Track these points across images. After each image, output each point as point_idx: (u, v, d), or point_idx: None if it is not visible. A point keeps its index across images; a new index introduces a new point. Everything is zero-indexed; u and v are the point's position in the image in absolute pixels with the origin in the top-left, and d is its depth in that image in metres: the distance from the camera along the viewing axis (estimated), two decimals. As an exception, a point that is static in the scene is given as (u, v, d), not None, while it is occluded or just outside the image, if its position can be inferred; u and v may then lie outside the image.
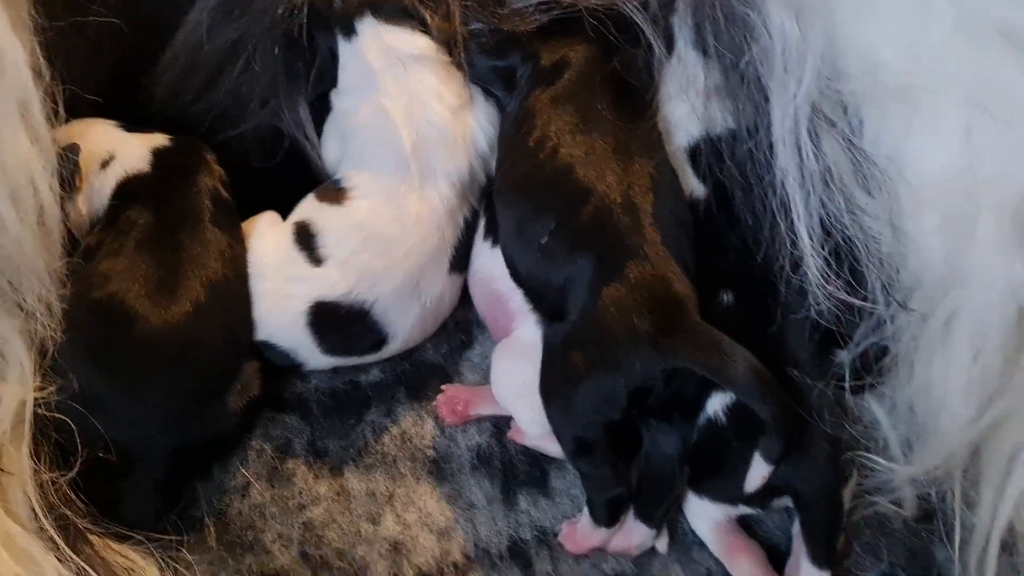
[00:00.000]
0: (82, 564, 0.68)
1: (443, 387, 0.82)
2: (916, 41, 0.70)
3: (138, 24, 0.84)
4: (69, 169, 0.78)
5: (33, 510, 0.68)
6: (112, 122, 0.84)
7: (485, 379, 0.81)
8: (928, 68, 0.70)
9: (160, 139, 0.83)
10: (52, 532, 0.68)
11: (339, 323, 0.78)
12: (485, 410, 0.81)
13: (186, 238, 0.78)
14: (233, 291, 0.78)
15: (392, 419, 0.81)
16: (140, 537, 0.71)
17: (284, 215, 0.83)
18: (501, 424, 0.81)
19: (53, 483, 0.70)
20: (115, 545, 0.71)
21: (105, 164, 0.81)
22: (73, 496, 0.71)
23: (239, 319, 0.78)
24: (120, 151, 0.81)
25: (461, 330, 0.85)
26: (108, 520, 0.71)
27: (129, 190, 0.80)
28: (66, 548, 0.68)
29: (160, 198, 0.80)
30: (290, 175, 0.86)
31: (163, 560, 0.71)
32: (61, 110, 0.76)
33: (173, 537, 0.72)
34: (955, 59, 0.69)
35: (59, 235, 0.76)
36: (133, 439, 0.73)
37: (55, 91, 0.75)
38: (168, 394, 0.74)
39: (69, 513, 0.70)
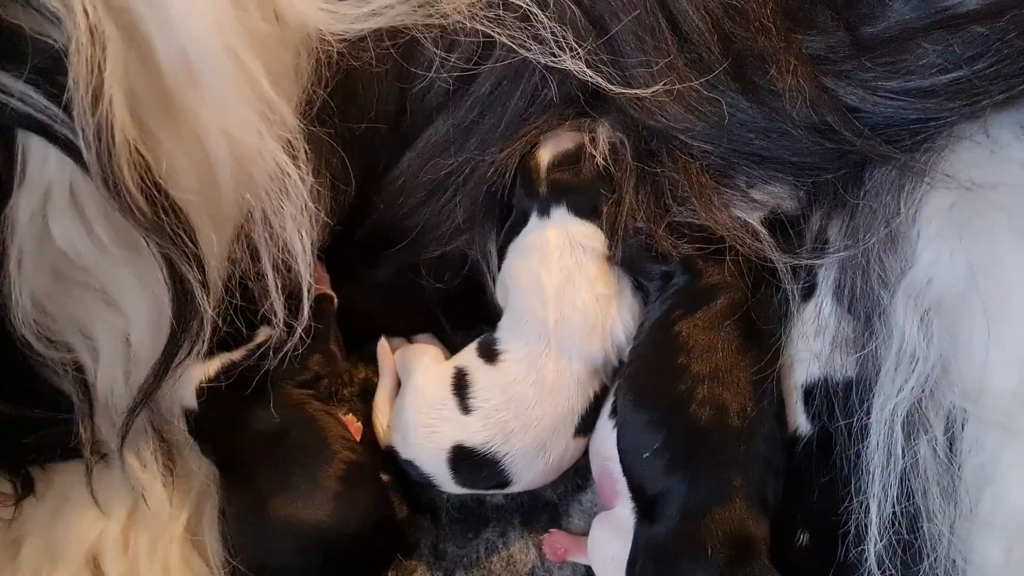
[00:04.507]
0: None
1: (551, 530, 0.95)
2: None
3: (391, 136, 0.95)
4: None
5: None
6: None
7: (590, 525, 0.93)
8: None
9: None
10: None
11: (473, 465, 0.91)
12: (582, 559, 0.93)
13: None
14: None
15: (504, 541, 0.96)
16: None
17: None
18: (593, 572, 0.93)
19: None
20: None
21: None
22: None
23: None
24: None
25: (578, 474, 0.97)
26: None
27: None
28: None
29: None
30: (464, 295, 0.99)
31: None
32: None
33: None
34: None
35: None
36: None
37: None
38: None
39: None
